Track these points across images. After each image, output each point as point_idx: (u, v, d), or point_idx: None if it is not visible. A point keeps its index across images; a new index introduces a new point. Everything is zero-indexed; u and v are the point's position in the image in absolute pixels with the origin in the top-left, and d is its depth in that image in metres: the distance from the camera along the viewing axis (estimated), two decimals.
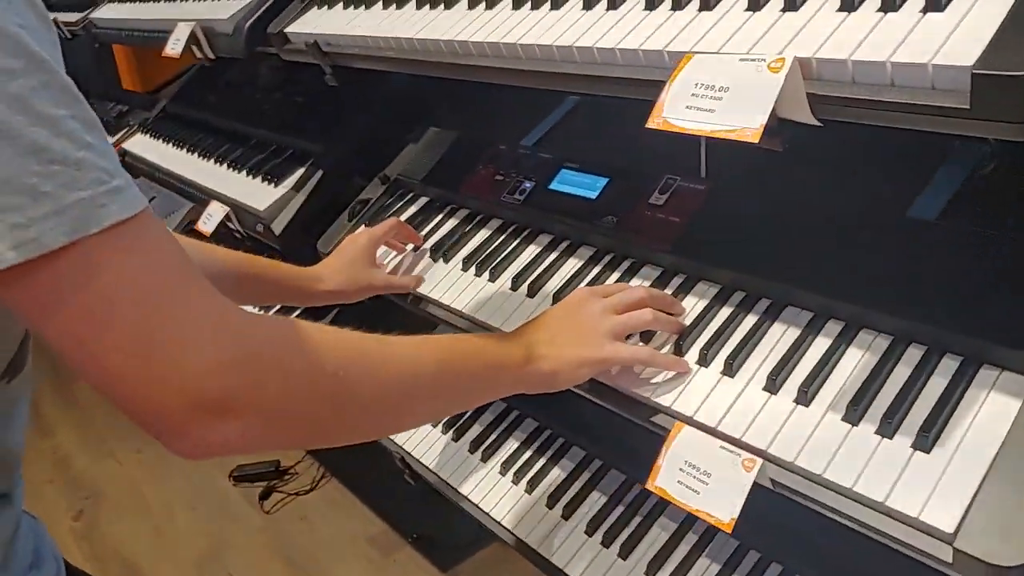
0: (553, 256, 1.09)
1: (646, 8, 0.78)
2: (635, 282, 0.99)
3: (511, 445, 1.32)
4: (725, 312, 0.90)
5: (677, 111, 0.64)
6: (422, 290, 1.17)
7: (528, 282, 1.06)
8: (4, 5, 0.47)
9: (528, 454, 1.30)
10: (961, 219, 0.86)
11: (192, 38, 1.53)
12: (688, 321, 0.91)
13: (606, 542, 1.13)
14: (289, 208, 1.53)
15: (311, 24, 1.22)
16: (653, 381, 0.87)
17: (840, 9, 0.65)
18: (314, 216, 1.54)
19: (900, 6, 0.61)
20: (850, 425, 0.74)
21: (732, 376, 0.83)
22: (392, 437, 1.43)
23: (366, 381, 0.63)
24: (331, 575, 1.87)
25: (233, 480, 2.15)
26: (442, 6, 1.03)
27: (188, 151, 1.97)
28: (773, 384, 0.80)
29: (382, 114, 1.60)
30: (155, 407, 0.51)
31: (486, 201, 1.21)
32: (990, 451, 0.67)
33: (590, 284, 1.02)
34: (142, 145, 2.15)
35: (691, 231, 0.96)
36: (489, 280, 1.11)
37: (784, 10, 0.68)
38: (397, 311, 1.76)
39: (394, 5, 1.11)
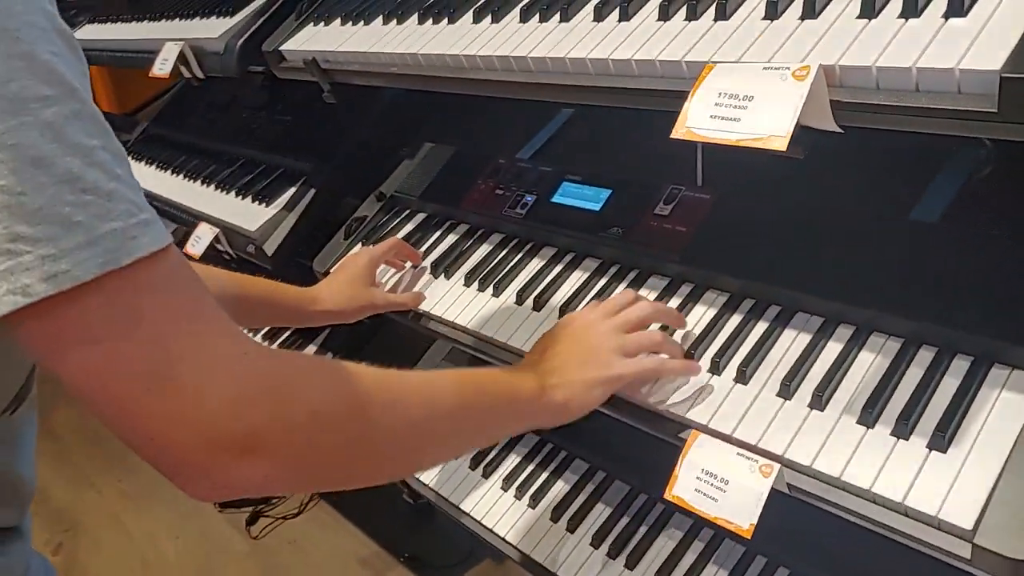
0: (558, 268, 1.09)
1: (659, 19, 0.80)
2: (643, 292, 0.99)
3: (512, 460, 1.32)
4: (735, 320, 0.91)
5: (701, 120, 0.65)
6: (424, 307, 1.16)
7: (534, 296, 1.06)
8: (37, 33, 0.47)
9: (530, 468, 1.29)
10: (963, 221, 0.88)
11: (181, 58, 1.53)
12: (698, 329, 0.92)
13: (612, 553, 1.13)
14: (281, 228, 1.52)
15: (310, 41, 1.22)
16: (666, 391, 0.87)
17: (860, 16, 0.66)
18: (307, 236, 1.53)
19: (921, 12, 0.63)
20: (865, 428, 0.75)
21: (745, 383, 0.84)
22: None
23: (388, 413, 0.62)
24: None
25: (219, 507, 2.11)
26: (446, 20, 1.03)
27: (173, 173, 1.95)
28: (787, 390, 0.81)
29: (374, 130, 1.60)
30: (176, 445, 0.50)
31: (487, 216, 1.21)
32: (1005, 448, 0.69)
33: (598, 295, 1.02)
34: None
35: (698, 240, 0.98)
36: (493, 295, 1.11)
37: (802, 18, 0.70)
38: (385, 333, 1.76)
39: (395, 21, 1.12)
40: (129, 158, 0.52)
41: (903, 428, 0.73)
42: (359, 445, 0.60)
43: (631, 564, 1.10)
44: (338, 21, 1.22)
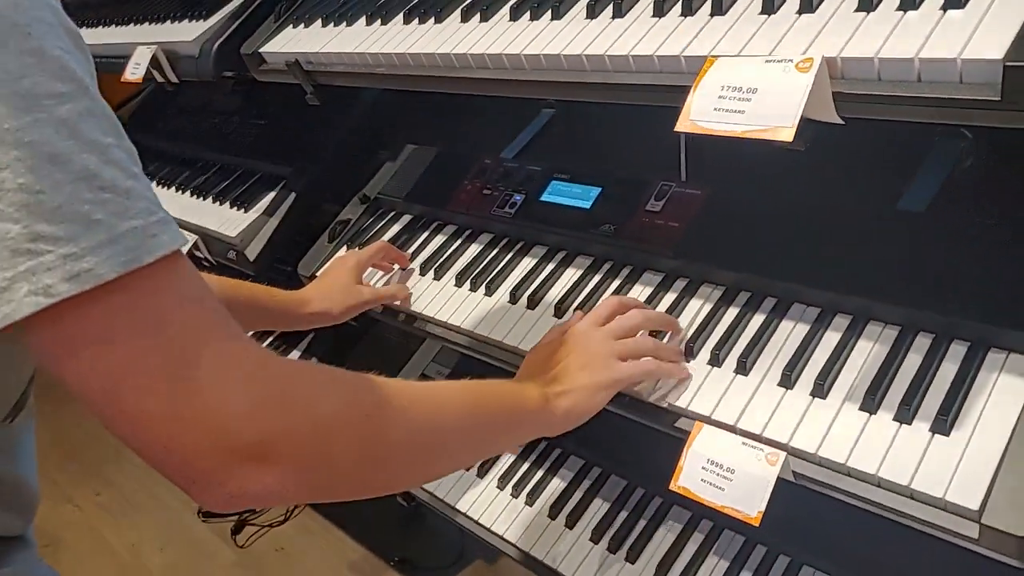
0: (551, 267, 1.09)
1: (654, 15, 0.80)
2: (637, 288, 1.00)
3: (507, 459, 1.32)
4: (732, 312, 0.92)
5: (705, 114, 0.65)
6: (417, 308, 1.16)
7: (527, 294, 1.06)
8: (46, 28, 0.46)
9: (525, 467, 1.29)
10: (949, 210, 0.90)
11: (153, 62, 1.50)
12: (695, 324, 0.93)
13: (612, 548, 1.13)
14: (263, 233, 1.51)
15: (291, 43, 1.21)
16: (667, 385, 0.88)
17: (858, 9, 0.67)
18: (289, 240, 1.52)
19: (919, 4, 0.64)
20: (868, 414, 0.76)
21: (746, 374, 0.85)
22: None
23: (398, 421, 0.62)
24: None
25: (202, 516, 2.08)
26: (432, 20, 1.03)
27: None
28: (788, 379, 0.82)
29: (352, 133, 1.59)
30: (190, 451, 0.49)
31: (475, 216, 1.21)
32: (1007, 429, 0.70)
33: (592, 292, 1.02)
34: None
35: (690, 235, 0.98)
36: (486, 294, 1.11)
37: (800, 12, 0.70)
38: (370, 338, 1.74)
39: (379, 21, 1.10)
40: None
41: (905, 413, 0.74)
42: (374, 454, 0.60)
43: (632, 558, 1.11)
44: (319, 23, 1.21)
